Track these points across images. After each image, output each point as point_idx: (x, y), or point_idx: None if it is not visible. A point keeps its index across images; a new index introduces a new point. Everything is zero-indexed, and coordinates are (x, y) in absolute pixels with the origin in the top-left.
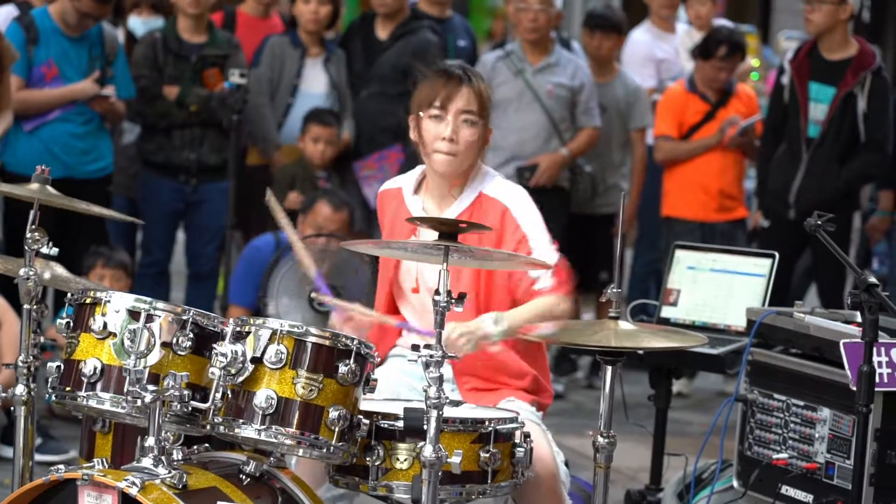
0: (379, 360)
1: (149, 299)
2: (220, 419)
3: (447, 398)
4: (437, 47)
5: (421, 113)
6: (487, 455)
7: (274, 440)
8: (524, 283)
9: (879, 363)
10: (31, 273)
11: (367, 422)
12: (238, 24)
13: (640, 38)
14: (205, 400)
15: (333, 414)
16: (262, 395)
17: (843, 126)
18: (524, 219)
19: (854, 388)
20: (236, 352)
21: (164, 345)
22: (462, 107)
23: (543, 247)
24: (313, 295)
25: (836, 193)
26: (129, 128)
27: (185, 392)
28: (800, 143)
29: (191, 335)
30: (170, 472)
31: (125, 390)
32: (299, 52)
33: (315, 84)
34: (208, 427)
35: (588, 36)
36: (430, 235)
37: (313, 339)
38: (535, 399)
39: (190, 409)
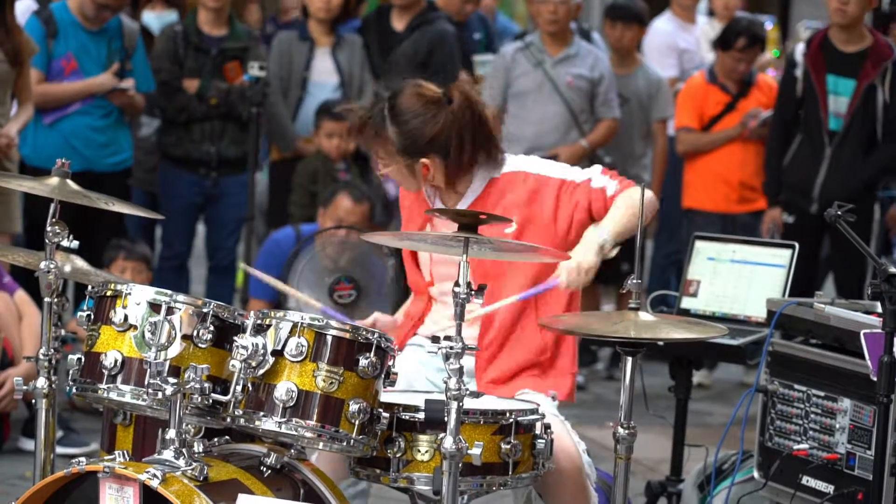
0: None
1: (169, 292)
2: (241, 412)
3: (467, 390)
4: (454, 37)
5: None
6: (508, 447)
7: (294, 433)
8: (597, 199)
9: None
10: (52, 266)
11: (387, 415)
12: None
13: (663, 28)
14: (225, 392)
15: (354, 407)
16: (283, 388)
17: (866, 118)
18: (546, 169)
19: (875, 379)
20: (257, 344)
21: (185, 337)
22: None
23: (582, 172)
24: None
25: (862, 185)
26: (147, 121)
27: (206, 384)
28: (821, 137)
29: (211, 328)
30: (191, 465)
31: (146, 383)
32: (308, 44)
33: (325, 74)
34: (229, 419)
35: (609, 27)
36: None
37: (334, 332)
38: (550, 384)
39: (210, 401)
